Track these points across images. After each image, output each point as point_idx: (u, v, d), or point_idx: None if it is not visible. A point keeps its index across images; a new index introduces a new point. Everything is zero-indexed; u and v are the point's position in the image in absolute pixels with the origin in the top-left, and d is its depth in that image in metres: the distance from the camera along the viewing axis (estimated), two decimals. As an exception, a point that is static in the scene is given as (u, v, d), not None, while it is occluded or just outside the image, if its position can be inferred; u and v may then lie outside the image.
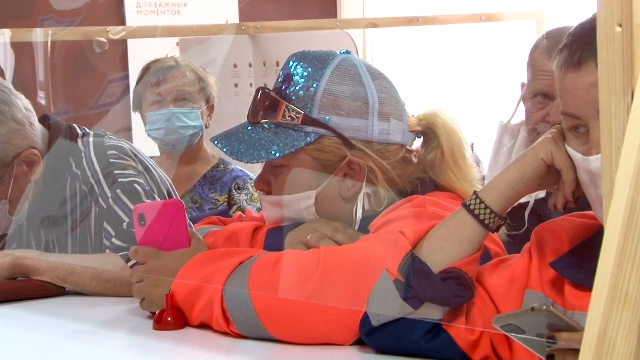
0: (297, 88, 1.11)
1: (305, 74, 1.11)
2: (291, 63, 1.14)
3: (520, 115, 1.55)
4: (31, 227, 1.53)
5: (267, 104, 1.12)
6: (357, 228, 1.11)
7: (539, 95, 1.46)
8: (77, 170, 1.48)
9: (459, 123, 1.14)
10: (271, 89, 1.15)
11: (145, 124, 2.18)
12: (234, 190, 2.11)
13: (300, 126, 1.10)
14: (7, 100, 1.43)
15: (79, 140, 1.52)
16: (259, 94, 1.13)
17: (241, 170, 2.12)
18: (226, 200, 2.11)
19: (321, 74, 1.11)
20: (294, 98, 1.10)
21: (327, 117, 1.09)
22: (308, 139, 1.10)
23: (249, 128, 1.14)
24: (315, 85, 1.10)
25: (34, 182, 1.49)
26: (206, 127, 2.16)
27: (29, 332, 1.21)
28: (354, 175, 1.11)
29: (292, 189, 1.14)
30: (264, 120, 1.12)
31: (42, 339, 1.14)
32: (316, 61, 1.13)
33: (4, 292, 1.34)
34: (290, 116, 1.09)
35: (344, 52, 1.16)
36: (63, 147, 1.53)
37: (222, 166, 2.18)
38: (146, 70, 2.18)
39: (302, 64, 1.13)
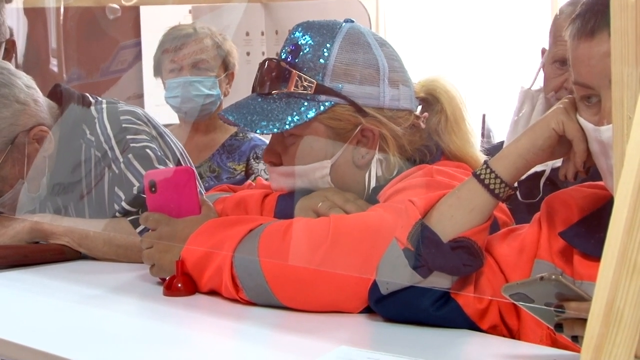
0: (308, 57, 1.10)
1: (314, 43, 1.11)
2: (297, 33, 1.14)
3: (540, 82, 1.55)
4: (48, 197, 1.55)
5: (276, 74, 1.12)
6: (368, 195, 1.11)
7: (558, 61, 1.46)
8: (90, 136, 1.47)
9: (460, 89, 1.15)
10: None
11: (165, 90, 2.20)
12: (252, 160, 2.09)
13: (313, 95, 1.09)
14: (7, 82, 1.42)
15: (92, 108, 1.51)
16: (266, 64, 1.12)
17: (260, 139, 2.09)
18: (244, 169, 2.09)
19: (331, 43, 1.10)
20: (305, 68, 1.09)
21: (340, 85, 1.09)
22: (322, 107, 1.10)
23: (259, 100, 1.13)
24: (326, 54, 1.09)
25: (48, 157, 1.49)
26: (225, 95, 2.14)
27: (43, 297, 1.23)
28: (367, 143, 1.11)
29: (306, 159, 1.13)
30: (274, 91, 1.11)
31: (55, 304, 1.15)
32: (324, 30, 1.12)
33: (25, 255, 1.37)
34: (302, 85, 1.08)
35: (348, 21, 1.16)
36: (76, 115, 1.52)
37: (241, 134, 2.16)
38: (165, 36, 2.17)
39: (309, 33, 1.12)
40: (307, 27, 1.14)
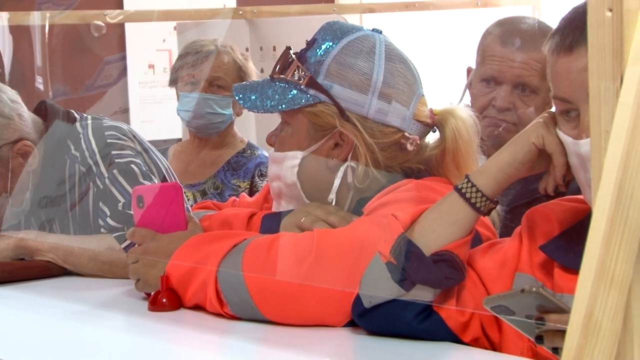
0: (314, 52, 1.16)
1: (325, 41, 1.16)
2: (321, 30, 1.20)
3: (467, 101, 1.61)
4: (32, 212, 1.58)
5: (282, 60, 1.17)
6: (346, 202, 1.15)
7: (485, 80, 1.50)
8: (75, 152, 1.49)
9: (473, 125, 1.15)
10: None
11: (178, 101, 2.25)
12: (257, 177, 2.11)
13: (304, 87, 1.13)
14: None
15: (77, 123, 1.53)
16: (283, 52, 1.20)
17: (266, 157, 2.05)
18: (248, 186, 2.11)
19: (336, 43, 1.15)
20: (307, 60, 1.15)
21: (331, 84, 1.11)
22: (305, 100, 1.14)
23: (265, 82, 1.21)
24: (327, 52, 1.15)
25: (32, 172, 1.50)
26: (238, 115, 2.18)
27: (28, 313, 1.25)
28: (339, 147, 1.14)
29: (283, 146, 1.19)
30: (277, 76, 1.17)
31: (41, 320, 1.17)
32: (339, 31, 1.17)
33: (10, 272, 1.40)
34: (298, 76, 1.13)
35: (373, 30, 1.20)
36: (61, 131, 1.54)
37: (249, 151, 2.18)
38: (186, 49, 2.21)
39: (328, 31, 1.18)
40: (331, 25, 1.20)
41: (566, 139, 0.86)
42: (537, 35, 1.45)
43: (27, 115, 1.51)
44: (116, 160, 1.45)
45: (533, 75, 1.45)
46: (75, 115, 1.56)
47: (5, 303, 1.28)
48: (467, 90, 1.59)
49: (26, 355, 0.96)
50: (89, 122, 1.53)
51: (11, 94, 1.49)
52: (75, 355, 0.97)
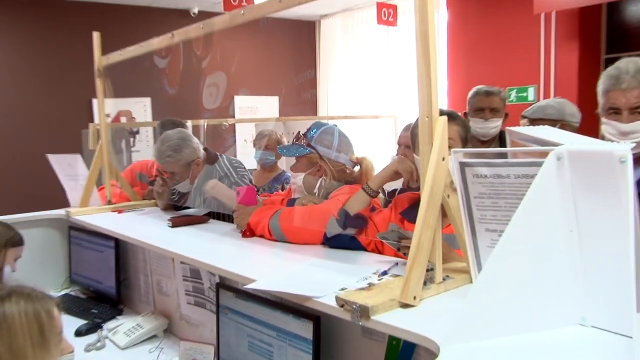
0: (310, 133, 2.28)
1: (314, 128, 2.29)
2: (313, 125, 2.33)
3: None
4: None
5: (297, 137, 2.31)
6: (320, 194, 2.25)
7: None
8: (218, 168, 2.97)
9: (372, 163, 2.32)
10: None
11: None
12: (285, 183, 3.76)
13: (305, 147, 2.28)
14: (187, 137, 2.94)
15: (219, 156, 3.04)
16: (296, 134, 2.35)
17: (289, 175, 3.61)
18: (281, 187, 3.63)
19: (317, 129, 2.27)
20: (306, 137, 2.28)
21: (316, 146, 2.27)
22: (306, 151, 2.27)
23: (291, 144, 2.35)
24: (314, 133, 2.28)
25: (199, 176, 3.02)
26: (278, 158, 3.99)
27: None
28: (320, 170, 2.25)
29: (297, 170, 2.32)
30: (295, 142, 2.33)
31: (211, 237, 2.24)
32: (319, 124, 2.30)
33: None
34: (304, 142, 2.28)
35: (334, 125, 2.32)
36: (212, 161, 3.04)
37: (281, 172, 3.96)
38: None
39: (315, 125, 2.31)
40: (316, 123, 2.33)
41: (416, 159, 1.99)
42: None
43: (201, 150, 3.01)
44: (239, 172, 2.91)
45: None
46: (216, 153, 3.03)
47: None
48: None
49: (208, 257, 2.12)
50: (224, 156, 2.97)
51: (196, 140, 3.02)
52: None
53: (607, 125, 2.09)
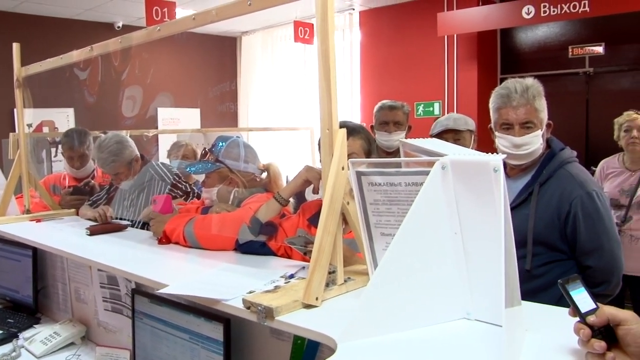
0: (216, 148, 2.28)
1: (219, 141, 2.28)
2: (218, 138, 2.31)
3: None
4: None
5: (203, 154, 2.29)
6: (235, 203, 2.26)
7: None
8: (153, 172, 2.93)
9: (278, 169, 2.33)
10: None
11: None
12: (198, 191, 3.41)
13: (214, 163, 2.26)
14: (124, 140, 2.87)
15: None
16: (202, 151, 2.31)
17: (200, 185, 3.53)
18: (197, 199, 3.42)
19: (225, 143, 2.28)
20: (212, 152, 2.27)
21: (225, 159, 2.27)
22: (215, 167, 2.26)
23: (199, 162, 2.32)
24: (221, 147, 2.27)
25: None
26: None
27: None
28: (232, 181, 2.25)
29: (211, 184, 2.30)
30: (202, 159, 2.30)
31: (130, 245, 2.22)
32: (223, 138, 2.29)
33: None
34: (211, 158, 2.27)
35: (237, 137, 2.32)
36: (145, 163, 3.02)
37: (196, 180, 3.54)
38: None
39: (220, 138, 2.29)
40: (221, 136, 2.31)
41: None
42: None
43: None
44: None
45: None
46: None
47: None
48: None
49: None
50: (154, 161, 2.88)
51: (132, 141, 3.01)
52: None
53: (501, 139, 2.21)
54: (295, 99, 8.33)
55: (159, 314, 1.85)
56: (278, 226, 2.00)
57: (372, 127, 3.38)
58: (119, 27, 7.79)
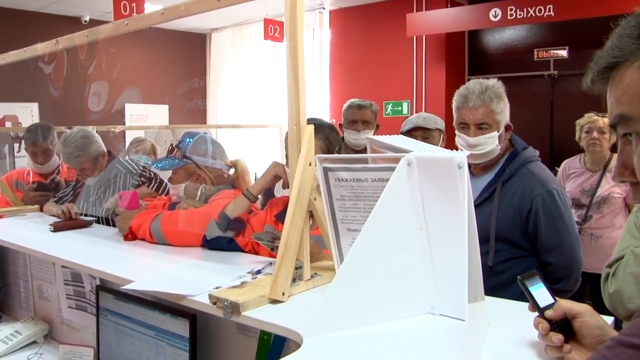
0: (183, 144, 2.26)
1: (186, 137, 2.26)
2: (185, 134, 2.29)
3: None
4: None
5: (170, 150, 2.27)
6: (202, 199, 2.25)
7: None
8: (120, 167, 2.86)
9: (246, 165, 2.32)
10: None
11: None
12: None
13: (181, 159, 2.24)
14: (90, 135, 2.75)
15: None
16: (169, 147, 2.29)
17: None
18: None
19: (192, 139, 2.26)
20: (180, 148, 2.26)
21: (192, 156, 2.25)
22: (182, 163, 2.24)
23: (166, 157, 2.30)
24: (188, 142, 2.26)
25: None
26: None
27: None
28: (200, 178, 2.24)
29: (180, 180, 2.27)
30: (169, 155, 2.27)
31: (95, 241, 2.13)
32: (191, 134, 2.28)
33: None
34: (178, 154, 2.25)
35: (204, 133, 2.31)
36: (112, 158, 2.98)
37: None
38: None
39: (187, 134, 2.27)
40: (189, 132, 2.30)
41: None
42: None
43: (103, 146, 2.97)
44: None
45: None
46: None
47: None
48: None
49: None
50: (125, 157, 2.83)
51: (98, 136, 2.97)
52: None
53: (458, 138, 2.24)
54: (264, 97, 8.31)
55: (124, 310, 1.83)
56: (246, 222, 1.99)
57: (340, 125, 3.39)
58: (85, 21, 7.67)
